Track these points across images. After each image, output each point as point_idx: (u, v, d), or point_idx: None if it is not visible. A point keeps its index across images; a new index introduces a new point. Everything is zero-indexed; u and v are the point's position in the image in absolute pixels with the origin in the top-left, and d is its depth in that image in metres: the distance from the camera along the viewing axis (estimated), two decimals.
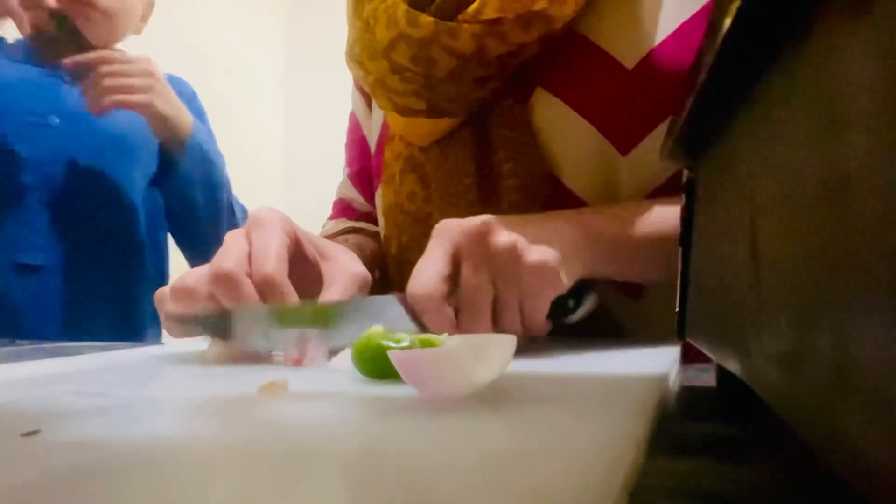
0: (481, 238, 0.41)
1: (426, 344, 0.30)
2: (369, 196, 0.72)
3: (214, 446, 0.19)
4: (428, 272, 0.40)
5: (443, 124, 0.55)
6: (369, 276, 0.46)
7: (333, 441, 0.19)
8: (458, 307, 0.41)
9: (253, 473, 0.16)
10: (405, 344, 0.30)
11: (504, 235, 0.41)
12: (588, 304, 0.47)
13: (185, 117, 1.00)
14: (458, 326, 0.41)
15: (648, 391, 0.27)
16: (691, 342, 0.33)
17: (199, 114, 1.12)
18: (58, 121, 0.99)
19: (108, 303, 1.01)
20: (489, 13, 0.49)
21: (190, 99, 1.10)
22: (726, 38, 0.19)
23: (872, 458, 0.11)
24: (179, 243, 1.10)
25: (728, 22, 0.18)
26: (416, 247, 0.58)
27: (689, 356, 0.43)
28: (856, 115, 0.12)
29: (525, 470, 0.16)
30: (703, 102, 0.24)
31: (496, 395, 0.26)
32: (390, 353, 0.27)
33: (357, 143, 0.73)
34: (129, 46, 1.03)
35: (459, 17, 0.50)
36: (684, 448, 0.23)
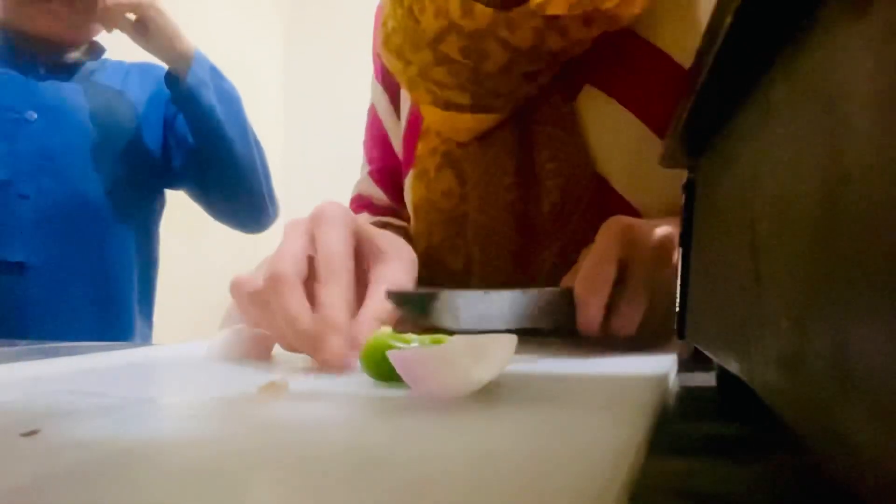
0: (659, 256, 0.41)
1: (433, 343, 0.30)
2: (392, 193, 0.70)
3: (214, 446, 0.19)
4: (601, 275, 0.40)
5: (485, 120, 0.54)
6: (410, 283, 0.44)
7: (333, 441, 0.19)
8: (612, 305, 0.41)
9: (253, 473, 0.16)
10: (414, 345, 0.30)
11: (675, 251, 0.41)
12: None
13: (186, 38, 1.01)
14: (610, 322, 0.41)
15: (648, 391, 0.27)
16: (691, 342, 0.33)
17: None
18: (35, 115, 0.98)
19: (93, 301, 1.00)
20: (555, 9, 0.47)
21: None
22: (726, 38, 0.19)
23: (872, 457, 0.11)
24: (214, 172, 1.06)
25: (728, 22, 0.18)
26: (448, 246, 0.56)
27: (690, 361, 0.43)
28: (855, 115, 0.12)
29: (525, 470, 0.16)
30: (703, 102, 0.25)
31: (496, 395, 0.26)
32: (389, 353, 0.27)
33: (378, 139, 0.71)
34: (128, 46, 1.03)
35: (519, 9, 0.48)
36: (684, 448, 0.23)
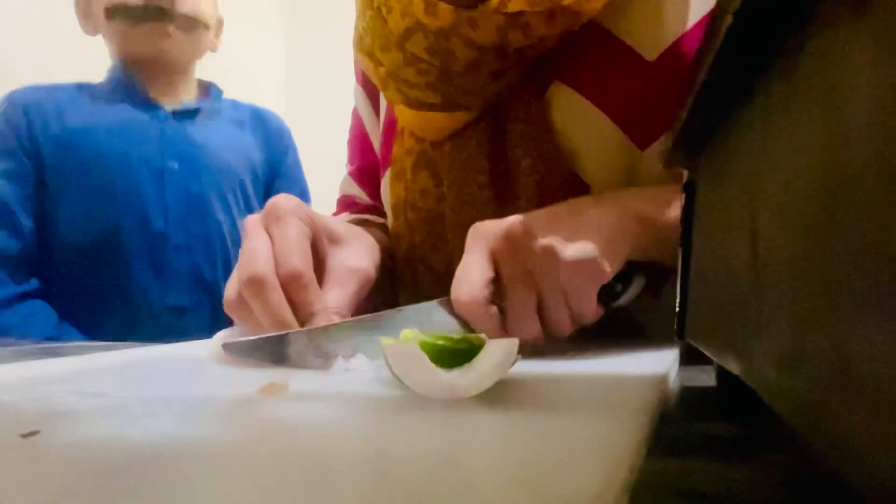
0: (517, 240, 0.40)
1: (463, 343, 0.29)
2: (372, 192, 0.71)
3: (214, 446, 0.19)
4: (470, 278, 0.40)
5: (457, 119, 0.54)
6: (370, 273, 0.46)
7: (333, 441, 0.19)
8: (504, 310, 0.40)
9: (252, 473, 0.16)
10: (412, 343, 0.29)
11: (539, 236, 0.40)
12: (635, 286, 0.46)
13: None
14: (507, 330, 0.40)
15: (648, 391, 0.27)
16: (691, 342, 0.33)
17: (288, 149, 1.19)
18: (177, 165, 1.03)
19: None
20: (516, 6, 0.47)
21: (278, 136, 1.18)
22: (726, 38, 0.19)
23: (872, 457, 0.11)
24: None
25: (728, 21, 0.18)
26: (430, 246, 0.57)
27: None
28: (855, 115, 0.12)
29: (525, 470, 0.16)
30: (703, 102, 0.24)
31: (497, 396, 0.26)
32: (387, 347, 0.27)
33: (359, 140, 0.71)
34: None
35: (481, 7, 0.48)
36: (684, 448, 0.23)
